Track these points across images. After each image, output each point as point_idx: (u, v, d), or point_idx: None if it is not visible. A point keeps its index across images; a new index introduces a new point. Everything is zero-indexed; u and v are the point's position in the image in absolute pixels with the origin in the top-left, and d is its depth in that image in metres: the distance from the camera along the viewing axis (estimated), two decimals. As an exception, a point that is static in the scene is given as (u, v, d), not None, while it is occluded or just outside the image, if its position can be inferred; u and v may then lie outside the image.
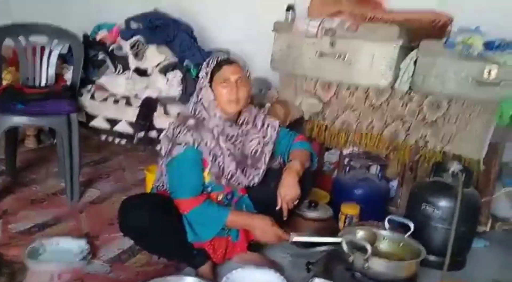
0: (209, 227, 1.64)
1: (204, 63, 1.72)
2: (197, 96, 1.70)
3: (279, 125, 1.84)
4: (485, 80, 2.05)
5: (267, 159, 1.77)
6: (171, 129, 1.66)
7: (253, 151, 1.75)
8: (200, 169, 1.65)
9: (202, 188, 1.66)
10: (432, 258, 1.78)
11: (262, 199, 1.73)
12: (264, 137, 1.79)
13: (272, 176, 1.75)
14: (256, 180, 1.73)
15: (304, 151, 1.80)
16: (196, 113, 1.68)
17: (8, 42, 2.37)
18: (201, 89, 1.69)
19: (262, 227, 1.65)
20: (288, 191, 1.65)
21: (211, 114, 1.66)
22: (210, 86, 1.67)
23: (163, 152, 1.67)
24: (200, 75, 1.72)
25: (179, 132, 1.62)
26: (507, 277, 1.83)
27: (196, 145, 1.61)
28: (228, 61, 1.69)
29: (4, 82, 2.41)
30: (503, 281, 1.80)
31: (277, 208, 1.65)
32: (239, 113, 1.73)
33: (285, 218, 1.69)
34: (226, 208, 1.70)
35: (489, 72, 2.04)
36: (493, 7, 2.37)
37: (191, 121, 1.65)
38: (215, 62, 1.67)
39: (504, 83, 2.01)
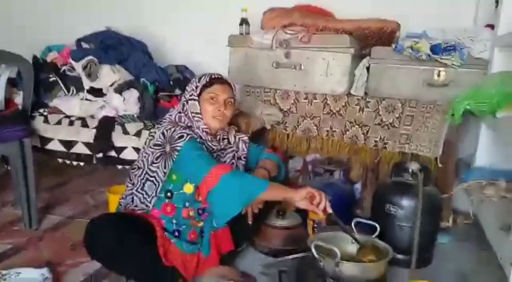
0: (246, 193, 1.52)
1: (195, 78, 1.78)
2: (183, 107, 1.74)
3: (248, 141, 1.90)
4: (435, 82, 2.16)
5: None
6: (159, 135, 1.65)
7: (231, 164, 1.79)
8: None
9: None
10: (400, 256, 1.82)
11: None
12: (237, 152, 1.84)
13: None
14: None
15: (271, 161, 1.85)
16: (182, 121, 1.72)
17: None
18: (187, 101, 1.73)
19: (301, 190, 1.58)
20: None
21: (194, 126, 1.70)
22: (198, 100, 1.71)
23: (145, 159, 1.66)
24: (189, 88, 1.76)
25: (174, 131, 1.62)
26: (472, 270, 1.90)
27: (196, 138, 1.64)
28: (221, 80, 1.75)
29: (-51, 111, 2.29)
30: (469, 274, 1.86)
31: (242, 212, 1.63)
32: (216, 131, 1.78)
33: (250, 222, 1.69)
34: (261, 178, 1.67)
35: (439, 74, 2.14)
36: (437, 11, 2.50)
37: (182, 124, 1.70)
38: (207, 79, 1.73)
39: (453, 83, 2.13)
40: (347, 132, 2.34)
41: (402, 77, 2.22)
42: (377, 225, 1.72)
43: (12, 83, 2.51)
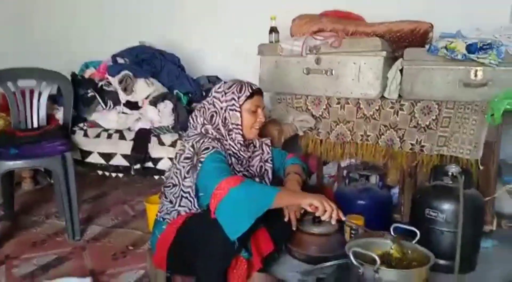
0: (254, 206, 1.47)
1: (230, 88, 1.74)
2: (212, 119, 1.73)
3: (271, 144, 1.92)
4: (473, 81, 2.09)
5: (270, 175, 1.84)
6: (189, 147, 1.66)
7: (258, 168, 1.82)
8: (229, 165, 1.65)
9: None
10: (442, 262, 1.76)
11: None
12: (262, 154, 1.86)
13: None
14: None
15: (298, 165, 1.89)
16: (210, 133, 1.72)
17: (-3, 88, 2.38)
18: (216, 113, 1.73)
19: (317, 195, 1.55)
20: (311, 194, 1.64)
21: (228, 138, 1.71)
22: (240, 111, 1.73)
23: (179, 174, 1.67)
24: (228, 97, 1.73)
25: (202, 143, 1.64)
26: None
27: (222, 150, 1.65)
28: (259, 91, 1.78)
29: (-4, 128, 2.41)
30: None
31: (285, 219, 1.65)
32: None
33: (294, 228, 1.70)
34: (271, 186, 1.66)
35: (476, 74, 2.08)
36: (471, 10, 2.44)
37: (211, 136, 1.70)
38: (250, 90, 1.74)
39: (491, 83, 2.06)
40: (382, 136, 2.30)
41: (437, 78, 2.16)
42: (416, 230, 1.68)
43: (52, 99, 2.62)
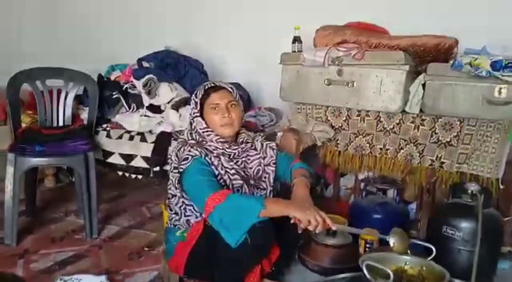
0: (239, 222, 1.47)
1: (193, 94, 1.77)
2: (191, 126, 1.76)
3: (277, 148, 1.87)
4: (496, 99, 2.06)
5: (271, 179, 1.79)
6: (174, 157, 1.67)
7: (255, 171, 1.78)
8: (212, 172, 1.62)
9: (220, 186, 1.59)
10: (457, 281, 1.73)
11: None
12: (264, 158, 1.81)
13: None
14: None
15: (305, 170, 1.82)
16: (193, 137, 1.73)
17: (26, 86, 2.46)
18: (193, 119, 1.74)
19: (302, 205, 1.53)
20: (300, 203, 1.59)
21: (207, 140, 1.70)
22: (201, 114, 1.72)
23: (172, 185, 1.69)
24: (191, 105, 1.77)
25: (183, 151, 1.63)
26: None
27: (203, 156, 1.62)
28: (215, 87, 1.74)
29: (23, 125, 2.49)
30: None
31: (291, 222, 1.58)
32: (237, 135, 1.78)
33: (300, 231, 1.56)
34: (257, 198, 1.61)
35: (500, 91, 2.05)
36: (497, 27, 2.41)
37: (191, 141, 1.71)
38: (202, 91, 1.73)
39: (515, 101, 2.02)
40: (401, 151, 2.28)
41: (460, 94, 2.14)
42: (432, 247, 1.66)
43: (78, 100, 2.70)
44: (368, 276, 1.50)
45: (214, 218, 1.49)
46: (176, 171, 1.65)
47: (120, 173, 2.57)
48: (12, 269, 1.93)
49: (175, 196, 1.71)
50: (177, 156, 1.66)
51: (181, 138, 1.80)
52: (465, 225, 1.81)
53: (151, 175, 2.46)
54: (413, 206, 2.39)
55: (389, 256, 1.67)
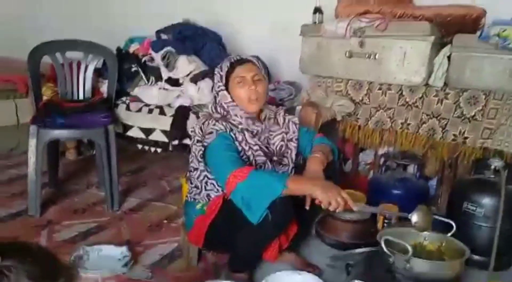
0: (260, 200, 1.46)
1: (217, 68, 1.73)
2: (215, 99, 1.72)
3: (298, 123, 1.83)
4: (524, 72, 1.98)
5: (293, 155, 1.76)
6: (198, 130, 1.65)
7: (278, 147, 1.74)
8: (236, 148, 1.61)
9: (243, 162, 1.57)
10: (476, 258, 1.72)
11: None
12: (286, 133, 1.78)
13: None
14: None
15: (326, 145, 1.77)
16: (218, 111, 1.70)
17: (46, 59, 2.47)
18: (217, 93, 1.70)
19: (325, 185, 1.49)
20: (313, 177, 1.58)
21: (232, 114, 1.67)
22: (227, 89, 1.68)
23: (195, 158, 1.68)
24: (215, 79, 1.73)
25: (207, 125, 1.61)
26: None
27: (228, 130, 1.60)
28: (241, 61, 1.69)
29: (44, 98, 2.51)
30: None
31: (316, 202, 1.52)
32: (260, 110, 1.74)
33: (307, 207, 1.54)
34: (280, 176, 1.57)
35: (528, 64, 1.97)
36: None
37: (216, 115, 1.68)
38: (228, 65, 1.68)
39: (544, 74, 1.94)
40: (423, 125, 2.23)
41: (487, 67, 2.06)
42: (453, 223, 1.64)
43: (98, 72, 2.70)
44: (386, 250, 1.50)
45: (236, 195, 1.49)
46: (200, 144, 1.64)
47: (140, 146, 2.59)
48: (36, 239, 1.99)
49: (197, 169, 1.70)
50: (201, 129, 1.64)
51: (205, 111, 1.78)
52: (487, 201, 1.79)
53: (170, 149, 2.48)
54: (433, 182, 2.36)
55: (408, 231, 1.66)
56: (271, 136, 1.75)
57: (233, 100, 1.67)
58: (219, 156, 1.57)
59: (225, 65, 1.70)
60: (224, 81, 1.69)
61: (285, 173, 1.70)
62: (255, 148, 1.66)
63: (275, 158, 1.73)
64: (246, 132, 1.65)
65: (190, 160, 1.74)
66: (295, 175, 1.69)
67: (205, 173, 1.68)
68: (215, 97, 1.73)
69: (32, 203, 2.23)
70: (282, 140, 1.76)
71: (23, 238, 1.94)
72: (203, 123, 1.64)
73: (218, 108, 1.70)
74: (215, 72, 1.73)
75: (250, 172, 1.49)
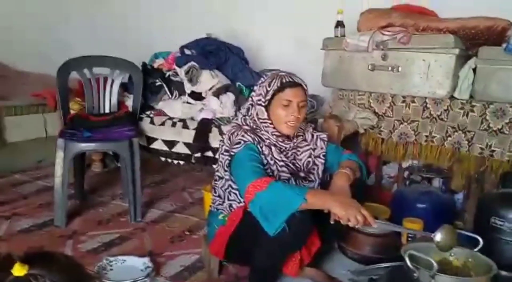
0: (278, 212, 1.44)
1: (264, 82, 1.68)
2: (248, 111, 1.71)
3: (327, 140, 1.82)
4: (552, 84, 1.94)
5: (320, 171, 1.75)
6: (226, 140, 1.66)
7: (305, 163, 1.74)
8: (261, 160, 1.59)
9: (266, 174, 1.54)
10: (504, 273, 1.65)
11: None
12: (314, 150, 1.77)
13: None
14: None
15: (353, 162, 1.76)
16: (247, 123, 1.70)
17: (74, 74, 2.55)
18: (252, 105, 1.70)
19: (345, 201, 1.47)
20: (337, 193, 1.58)
21: (263, 130, 1.67)
22: (268, 105, 1.65)
23: (221, 167, 1.68)
24: (256, 91, 1.69)
25: (236, 135, 1.62)
26: None
27: (255, 143, 1.60)
28: (292, 83, 1.64)
29: (72, 112, 2.59)
30: None
31: (331, 219, 1.51)
32: None
33: (331, 221, 1.51)
34: (299, 189, 1.52)
35: (556, 76, 1.92)
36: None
37: (246, 127, 1.68)
38: (279, 84, 1.63)
39: None
40: (449, 138, 2.20)
41: (513, 79, 2.03)
42: (479, 238, 1.59)
43: (123, 87, 2.77)
44: (410, 266, 1.46)
45: (255, 205, 1.48)
46: (227, 154, 1.64)
47: (163, 159, 2.63)
48: (61, 249, 2.02)
49: (222, 178, 1.71)
50: (229, 139, 1.65)
51: (234, 122, 1.78)
52: (515, 216, 1.72)
53: (193, 161, 2.50)
54: (459, 196, 2.30)
55: (433, 246, 1.61)
56: (298, 152, 1.74)
57: (269, 118, 1.66)
58: (243, 165, 1.56)
59: (275, 82, 1.64)
60: (269, 97, 1.65)
61: (306, 186, 1.69)
62: (281, 163, 1.66)
63: (302, 174, 1.72)
64: (273, 147, 1.66)
65: (216, 169, 1.75)
66: (316, 189, 1.67)
67: (230, 182, 1.68)
68: (248, 109, 1.72)
69: (58, 213, 2.28)
70: (310, 156, 1.76)
71: (49, 248, 1.97)
72: (232, 134, 1.66)
73: (249, 121, 1.70)
74: (260, 85, 1.69)
75: (270, 182, 1.48)
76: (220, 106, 2.60)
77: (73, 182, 2.62)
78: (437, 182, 2.34)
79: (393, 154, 2.36)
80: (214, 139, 2.42)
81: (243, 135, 1.61)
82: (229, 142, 1.65)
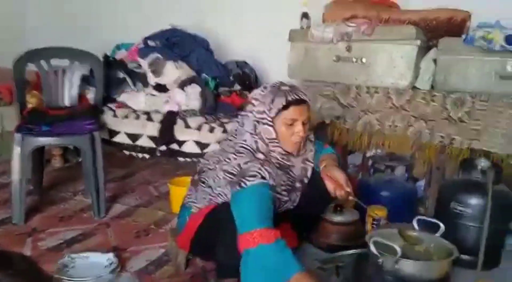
0: (280, 270, 1.36)
1: (264, 96, 1.62)
2: (255, 129, 1.63)
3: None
4: (509, 74, 2.00)
5: (309, 174, 1.77)
6: (236, 163, 1.55)
7: (299, 170, 1.75)
8: (273, 198, 1.50)
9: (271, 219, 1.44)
10: (465, 257, 1.71)
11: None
12: (304, 153, 1.78)
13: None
14: (297, 200, 1.73)
15: (333, 155, 1.83)
16: (260, 149, 1.62)
17: (31, 66, 2.44)
18: (260, 123, 1.62)
19: None
20: (335, 171, 1.69)
21: (270, 149, 1.63)
22: (272, 122, 1.61)
23: (216, 183, 1.61)
24: (257, 107, 1.63)
25: (251, 166, 1.50)
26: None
27: (271, 181, 1.49)
28: (297, 101, 1.60)
29: (29, 105, 2.48)
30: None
31: (336, 194, 1.66)
32: None
33: (351, 198, 1.68)
34: (298, 262, 1.41)
35: (512, 66, 1.99)
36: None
37: (260, 156, 1.60)
38: (284, 102, 1.58)
39: (529, 75, 1.97)
40: (411, 128, 2.24)
41: (472, 69, 2.08)
42: (441, 224, 1.64)
43: (84, 79, 2.68)
44: (375, 252, 1.49)
45: (252, 255, 1.38)
46: (231, 175, 1.53)
47: (127, 152, 2.57)
48: (20, 247, 1.94)
49: (209, 186, 1.63)
50: (239, 166, 1.53)
51: (243, 143, 1.63)
52: (474, 201, 1.79)
53: (158, 154, 2.45)
54: (421, 183, 2.36)
55: (396, 232, 1.65)
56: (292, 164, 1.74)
57: (276, 137, 1.62)
58: (253, 205, 1.44)
59: (280, 100, 1.59)
60: (273, 114, 1.60)
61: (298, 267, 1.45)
62: (282, 187, 1.64)
63: (297, 184, 1.72)
64: (279, 171, 1.62)
65: (207, 178, 1.65)
66: (307, 274, 1.43)
67: (214, 195, 1.62)
68: (254, 126, 1.63)
69: (16, 211, 2.18)
70: (302, 162, 1.76)
71: (6, 247, 1.90)
72: (245, 163, 1.53)
73: (260, 144, 1.61)
74: (260, 99, 1.62)
75: (278, 238, 1.39)
76: (185, 98, 2.56)
77: (31, 178, 2.52)
78: (400, 170, 2.39)
79: (357, 143, 2.38)
80: (180, 132, 2.39)
81: (260, 169, 1.48)
82: (237, 168, 1.53)
